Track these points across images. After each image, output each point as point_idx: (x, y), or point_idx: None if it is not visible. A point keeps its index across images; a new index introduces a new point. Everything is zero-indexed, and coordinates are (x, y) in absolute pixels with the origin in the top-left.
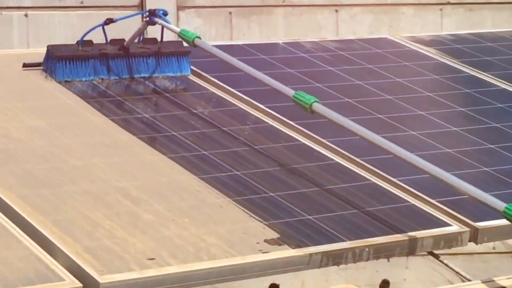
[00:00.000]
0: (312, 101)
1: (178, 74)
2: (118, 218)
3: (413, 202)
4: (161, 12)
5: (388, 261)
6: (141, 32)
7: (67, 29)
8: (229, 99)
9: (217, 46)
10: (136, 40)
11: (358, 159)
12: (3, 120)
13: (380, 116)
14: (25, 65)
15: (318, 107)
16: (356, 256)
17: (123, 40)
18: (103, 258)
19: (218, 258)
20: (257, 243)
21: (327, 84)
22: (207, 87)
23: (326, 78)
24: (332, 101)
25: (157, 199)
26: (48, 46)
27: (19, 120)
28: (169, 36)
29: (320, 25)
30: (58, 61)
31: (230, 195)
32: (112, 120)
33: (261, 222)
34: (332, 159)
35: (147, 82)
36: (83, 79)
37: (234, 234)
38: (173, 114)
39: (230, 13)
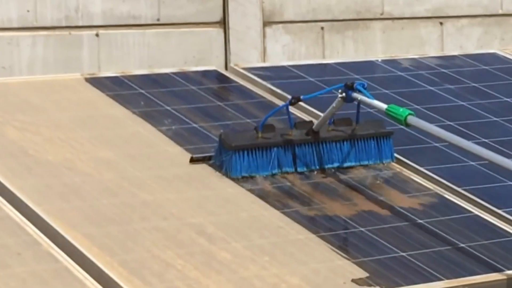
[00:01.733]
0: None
1: (378, 161)
2: (191, 258)
3: None
4: (361, 85)
5: None
6: (334, 112)
7: (142, 49)
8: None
9: (308, 66)
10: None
11: (458, 189)
12: (68, 151)
13: (487, 140)
14: (192, 160)
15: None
16: None
17: (311, 122)
18: None
19: None
20: (344, 283)
21: (427, 106)
22: (295, 112)
23: (426, 99)
24: (433, 124)
25: (235, 237)
26: (221, 134)
27: (85, 151)
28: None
29: (423, 40)
30: (235, 154)
31: (315, 230)
32: (187, 149)
33: (349, 260)
34: (430, 189)
35: None
36: (265, 174)
37: (319, 274)
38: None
39: (322, 28)
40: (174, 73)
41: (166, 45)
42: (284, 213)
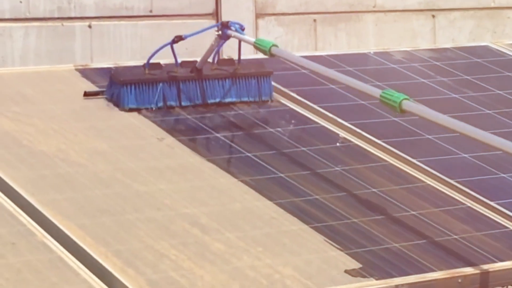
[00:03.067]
0: (401, 98)
1: (257, 99)
2: (185, 248)
3: None
4: (237, 25)
5: None
6: (213, 49)
7: (135, 40)
8: (310, 117)
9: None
10: (210, 60)
11: (451, 181)
12: (62, 142)
13: None
14: (86, 94)
15: (409, 105)
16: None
17: (195, 61)
18: None
19: None
20: (338, 274)
21: (419, 98)
22: (287, 103)
23: (418, 91)
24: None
25: (228, 227)
26: (111, 70)
27: (79, 141)
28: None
29: (415, 33)
30: (123, 87)
31: (308, 221)
32: (180, 140)
33: (342, 251)
34: (423, 181)
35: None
36: (151, 107)
37: (312, 265)
38: (247, 133)
39: (314, 20)
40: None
41: (159, 36)
42: (277, 204)
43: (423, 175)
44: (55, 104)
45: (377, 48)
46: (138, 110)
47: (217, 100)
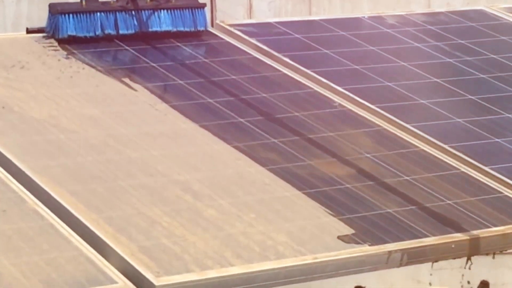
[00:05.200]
0: None
1: (193, 29)
2: (177, 215)
3: (506, 193)
4: None
5: (493, 258)
6: None
7: None
8: (304, 82)
9: (294, 22)
10: None
11: (445, 146)
12: (53, 108)
13: (473, 97)
14: (28, 31)
15: None
16: (440, 253)
17: None
18: (160, 258)
19: (286, 258)
20: (331, 240)
21: (413, 63)
22: (280, 68)
23: (412, 55)
24: (419, 81)
25: (221, 194)
26: (49, 4)
27: (70, 108)
28: None
29: None
30: (61, 16)
31: (302, 187)
32: (172, 106)
33: (335, 217)
34: (417, 146)
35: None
36: (89, 35)
37: (305, 231)
38: (240, 98)
39: None
40: (160, 31)
41: None
42: (270, 170)
43: (416, 140)
44: (47, 70)
45: (371, 13)
46: (78, 39)
47: (154, 29)
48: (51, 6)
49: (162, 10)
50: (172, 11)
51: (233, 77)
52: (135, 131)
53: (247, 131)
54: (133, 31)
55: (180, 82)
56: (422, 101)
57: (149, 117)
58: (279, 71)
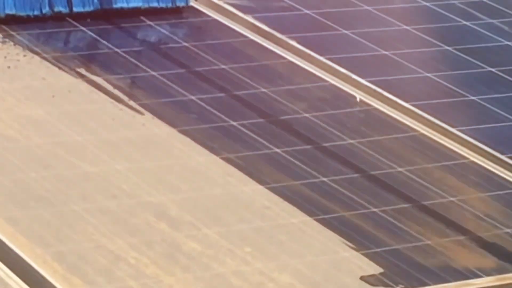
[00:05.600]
0: None
1: (170, 5)
2: (149, 249)
3: None
4: None
5: None
6: None
7: None
8: (315, 72)
9: None
10: None
11: (502, 157)
12: None
13: None
14: None
15: None
16: None
17: None
18: None
19: None
20: (352, 282)
21: (460, 47)
22: (285, 55)
23: (460, 37)
24: (469, 71)
25: (206, 221)
26: None
27: (8, 108)
28: None
29: None
30: None
31: (313, 212)
32: (142, 105)
33: (358, 251)
34: (466, 157)
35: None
36: (34, 14)
37: (318, 270)
38: (232, 94)
39: None
40: (127, 8)
41: None
42: (271, 188)
43: (465, 149)
44: None
45: None
46: (18, 19)
47: (119, 5)
48: None
49: None
50: None
51: (223, 66)
52: (92, 138)
53: (241, 138)
54: (91, 8)
55: (153, 73)
56: (472, 97)
57: (111, 119)
58: (283, 58)
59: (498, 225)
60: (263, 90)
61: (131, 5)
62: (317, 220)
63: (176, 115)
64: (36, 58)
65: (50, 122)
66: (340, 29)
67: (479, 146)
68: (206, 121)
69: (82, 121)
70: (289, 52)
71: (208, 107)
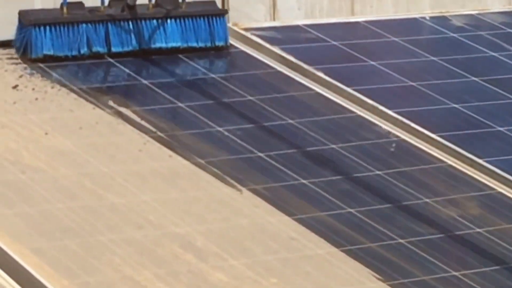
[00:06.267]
0: None
1: (209, 44)
2: (175, 280)
3: None
4: None
5: None
6: None
7: None
8: (342, 103)
9: (331, 25)
10: None
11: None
12: (12, 139)
13: None
14: None
15: None
16: None
17: None
18: None
19: None
20: None
21: (488, 78)
22: (312, 86)
23: (486, 68)
24: (496, 102)
25: (233, 252)
26: (20, 12)
27: (34, 138)
28: None
29: None
30: (35, 29)
31: (340, 243)
32: (169, 136)
33: (385, 282)
34: (493, 189)
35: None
36: (72, 54)
37: None
38: (259, 126)
39: None
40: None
41: None
42: (298, 220)
43: (493, 181)
44: (3, 89)
45: (432, 12)
46: (56, 58)
47: (158, 45)
48: (23, 14)
49: (169, 20)
50: (183, 20)
51: (250, 97)
52: (119, 169)
53: (268, 169)
54: (130, 49)
55: (181, 105)
56: (499, 128)
57: (138, 151)
58: (311, 89)
59: None
60: (290, 121)
61: (170, 45)
62: (343, 251)
63: (203, 146)
64: (64, 90)
65: (77, 154)
66: (368, 60)
67: (506, 177)
68: (233, 152)
69: (109, 153)
70: (316, 83)
71: (235, 138)
